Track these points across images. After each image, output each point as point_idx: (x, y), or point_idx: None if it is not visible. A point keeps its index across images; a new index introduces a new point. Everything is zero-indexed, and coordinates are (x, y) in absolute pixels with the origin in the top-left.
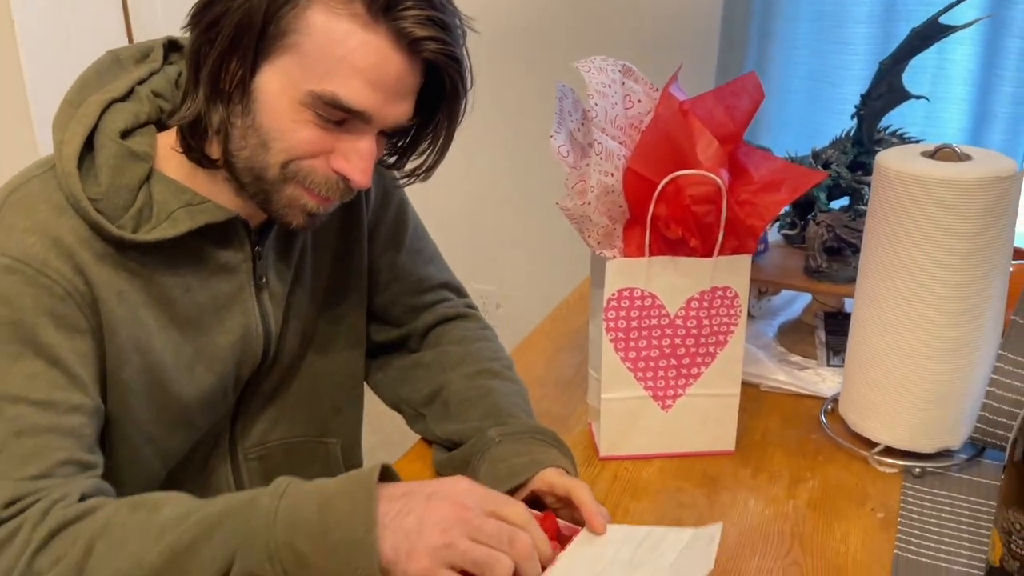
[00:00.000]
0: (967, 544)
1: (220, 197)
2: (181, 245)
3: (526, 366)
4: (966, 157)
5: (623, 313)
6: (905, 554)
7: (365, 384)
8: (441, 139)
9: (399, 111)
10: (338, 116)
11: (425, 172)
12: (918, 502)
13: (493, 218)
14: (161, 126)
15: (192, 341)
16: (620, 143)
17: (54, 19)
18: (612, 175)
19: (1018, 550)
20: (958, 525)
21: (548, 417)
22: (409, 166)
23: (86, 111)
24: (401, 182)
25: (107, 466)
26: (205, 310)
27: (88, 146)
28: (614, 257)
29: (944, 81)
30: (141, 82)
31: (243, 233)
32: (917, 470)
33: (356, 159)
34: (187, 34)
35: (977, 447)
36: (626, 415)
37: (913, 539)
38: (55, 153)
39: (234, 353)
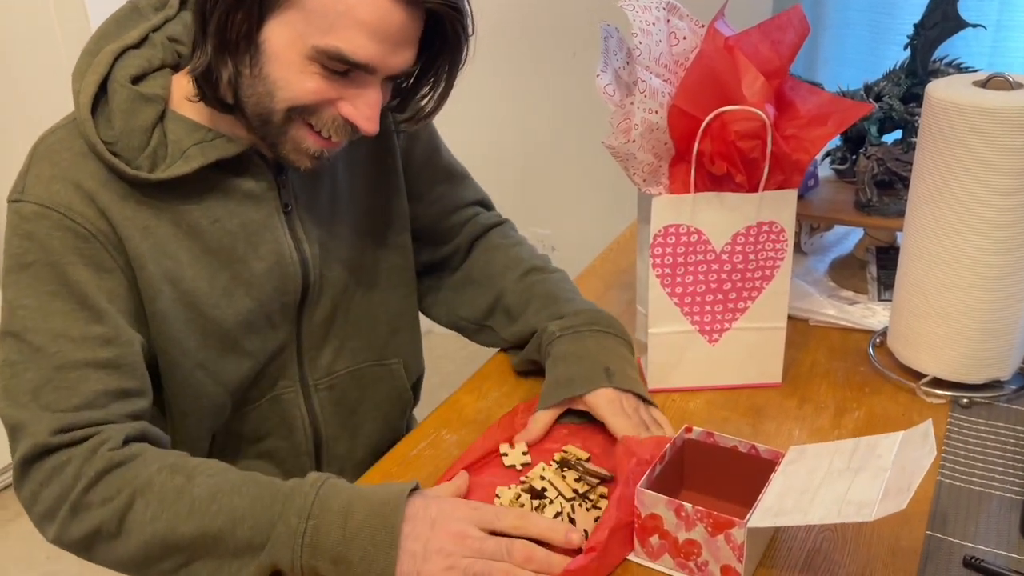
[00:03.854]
0: (1012, 471)
1: (238, 132)
2: (203, 178)
3: None
4: (1018, 86)
5: (669, 249)
6: (948, 480)
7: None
8: (442, 85)
9: (402, 60)
10: (343, 68)
11: (426, 116)
12: (964, 431)
13: (547, 164)
14: (179, 68)
15: (227, 268)
16: (665, 80)
17: None
18: (656, 112)
19: None
20: (1003, 453)
21: None
22: (409, 110)
23: (100, 60)
24: (402, 127)
25: (167, 392)
26: (237, 238)
27: (104, 93)
28: (660, 194)
29: (1011, 8)
30: (156, 29)
31: (261, 164)
32: (964, 400)
33: (363, 106)
34: None
35: None
36: (673, 349)
37: (957, 466)
38: (74, 102)
39: (271, 279)
